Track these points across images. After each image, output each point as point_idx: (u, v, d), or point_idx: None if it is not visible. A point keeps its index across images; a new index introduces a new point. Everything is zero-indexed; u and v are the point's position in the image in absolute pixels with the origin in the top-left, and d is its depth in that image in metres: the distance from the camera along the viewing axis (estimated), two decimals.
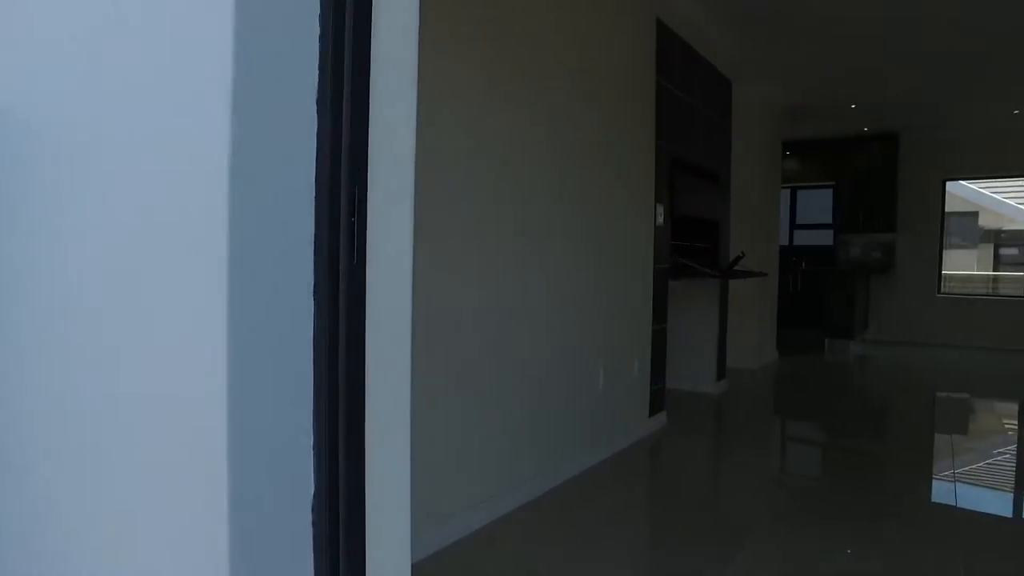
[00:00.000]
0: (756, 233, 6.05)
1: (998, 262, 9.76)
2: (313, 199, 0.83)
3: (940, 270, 8.28)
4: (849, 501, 2.95)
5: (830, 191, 8.60)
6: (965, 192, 9.32)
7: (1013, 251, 9.69)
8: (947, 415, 4.87)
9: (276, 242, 0.80)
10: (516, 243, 2.69)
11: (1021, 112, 6.92)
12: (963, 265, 9.36)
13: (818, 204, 9.00)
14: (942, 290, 8.29)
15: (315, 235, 0.83)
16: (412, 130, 0.95)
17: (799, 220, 9.31)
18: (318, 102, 0.82)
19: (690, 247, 4.60)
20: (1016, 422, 4.76)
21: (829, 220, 8.59)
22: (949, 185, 8.27)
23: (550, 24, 2.89)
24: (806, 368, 6.50)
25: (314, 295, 0.83)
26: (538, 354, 2.86)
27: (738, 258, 4.54)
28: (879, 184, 8.14)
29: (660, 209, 3.93)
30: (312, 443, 0.83)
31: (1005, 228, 9.98)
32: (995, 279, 9.11)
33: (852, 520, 2.74)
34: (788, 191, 9.32)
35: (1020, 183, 7.91)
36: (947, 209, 8.68)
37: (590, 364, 3.28)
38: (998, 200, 9.89)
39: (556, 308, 2.98)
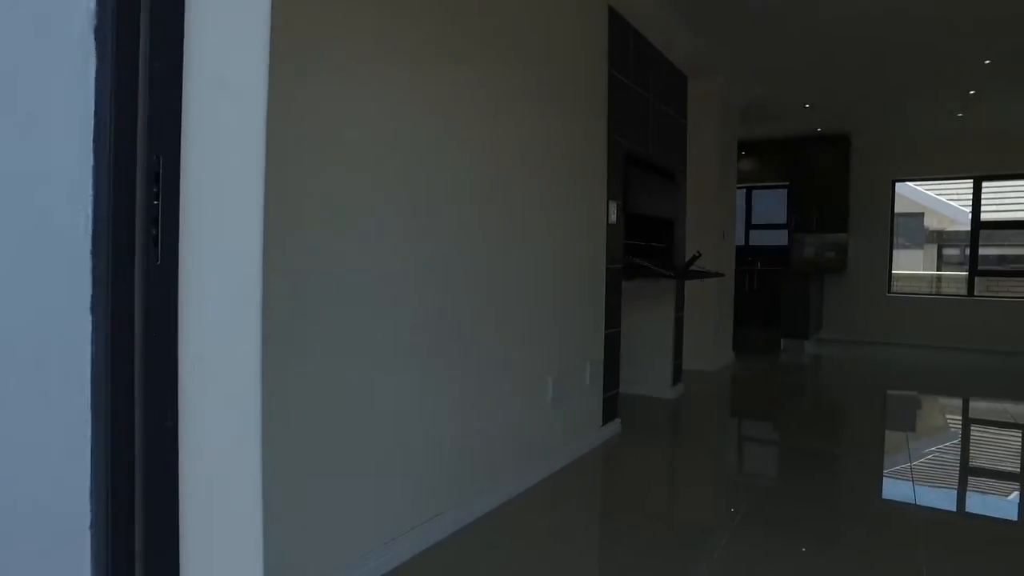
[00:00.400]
0: (713, 233, 5.93)
1: (941, 262, 9.98)
2: (91, 173, 0.57)
3: (891, 270, 8.36)
4: (806, 502, 2.84)
5: (785, 191, 8.60)
6: (912, 194, 9.48)
7: (955, 251, 9.91)
8: (897, 413, 4.83)
9: (28, 241, 0.54)
10: (439, 243, 2.43)
11: (964, 115, 7.00)
12: (911, 265, 9.52)
13: (773, 204, 9.00)
14: (892, 289, 8.38)
15: (93, 227, 0.57)
16: (263, 58, 0.68)
17: (755, 220, 9.31)
18: (96, 29, 0.56)
19: (645, 247, 4.42)
20: (960, 418, 4.75)
21: (784, 220, 8.59)
22: (898, 187, 8.36)
23: None
24: (762, 369, 6.42)
25: (92, 312, 0.57)
26: (475, 366, 2.61)
27: (694, 258, 4.38)
28: (832, 185, 8.17)
29: (613, 206, 3.73)
30: (90, 544, 0.56)
31: (947, 229, 10.20)
32: (939, 279, 9.27)
33: (809, 521, 2.68)
34: (744, 191, 9.31)
35: (962, 185, 8.03)
36: (896, 210, 8.80)
37: (538, 373, 3.05)
38: (941, 202, 10.11)
39: (496, 314, 2.74)
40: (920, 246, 10.56)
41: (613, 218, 3.72)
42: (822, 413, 4.89)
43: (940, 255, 10.23)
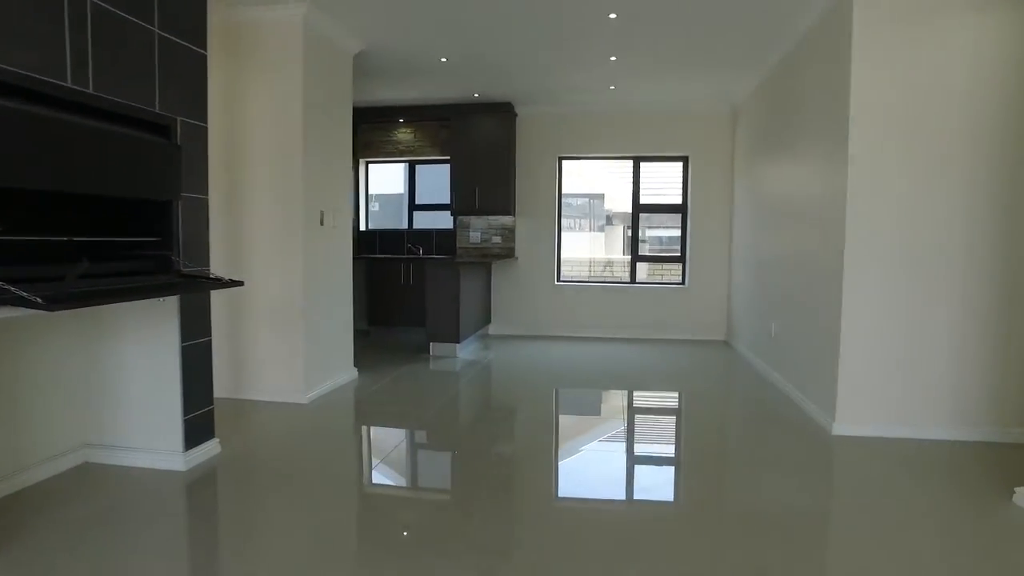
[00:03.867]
0: (303, 217, 4.39)
1: (626, 246, 9.80)
2: None
3: (559, 256, 7.71)
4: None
5: (448, 167, 7.46)
6: (589, 171, 9.03)
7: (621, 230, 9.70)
8: (545, 422, 3.84)
9: None
10: None
11: (616, 88, 6.41)
12: (595, 251, 9.10)
13: (441, 182, 7.84)
14: (561, 278, 7.75)
15: None
16: None
17: (420, 200, 8.09)
18: None
19: (89, 244, 2.66)
20: (623, 421, 3.90)
21: (448, 200, 7.45)
22: (574, 164, 7.70)
23: None
24: (386, 388, 5.12)
25: None
26: None
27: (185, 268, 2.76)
28: (496, 160, 7.20)
29: None
30: None
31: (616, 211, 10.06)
32: (611, 264, 8.97)
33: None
34: (405, 165, 8.02)
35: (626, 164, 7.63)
36: (578, 191, 8.24)
37: None
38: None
39: None
40: (601, 229, 10.37)
41: None
42: (449, 431, 3.67)
43: (626, 239, 10.10)
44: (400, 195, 8.21)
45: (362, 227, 8.08)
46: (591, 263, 8.65)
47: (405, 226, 8.04)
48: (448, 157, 7.41)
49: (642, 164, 7.48)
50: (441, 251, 7.80)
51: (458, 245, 7.71)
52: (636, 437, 3.92)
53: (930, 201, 3.54)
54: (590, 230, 9.46)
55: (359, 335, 7.53)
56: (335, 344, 4.95)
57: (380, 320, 7.39)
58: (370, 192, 8.23)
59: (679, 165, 7.40)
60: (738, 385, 5.32)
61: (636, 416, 4.44)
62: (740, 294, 6.61)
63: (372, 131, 7.89)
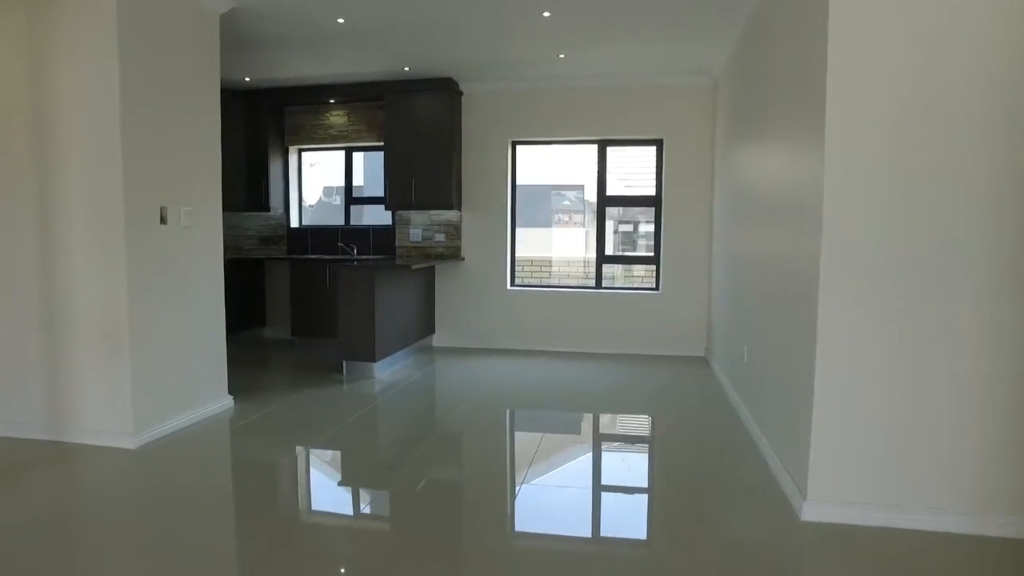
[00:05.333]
0: (129, 210, 3.43)
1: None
2: None
3: (513, 256, 6.69)
4: None
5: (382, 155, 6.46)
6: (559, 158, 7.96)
7: (629, 229, 8.57)
8: (444, 488, 2.87)
9: None
10: None
11: (567, 56, 5.35)
12: (576, 249, 8.02)
13: (380, 172, 6.85)
14: (516, 282, 6.73)
15: None
16: None
17: (357, 193, 7.11)
18: None
19: None
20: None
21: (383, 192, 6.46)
22: (535, 151, 6.67)
23: None
24: (281, 415, 4.17)
25: None
26: None
27: None
28: (437, 146, 6.18)
29: None
30: None
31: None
32: (585, 263, 7.92)
33: None
34: (342, 152, 7.04)
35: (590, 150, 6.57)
36: (554, 181, 7.22)
37: None
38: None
39: None
40: (582, 224, 9.30)
41: None
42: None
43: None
44: (341, 188, 7.23)
45: (294, 223, 7.12)
46: (563, 263, 7.63)
47: (341, 222, 7.06)
48: (382, 143, 6.41)
49: (609, 149, 6.41)
50: (379, 251, 6.82)
51: (397, 244, 6.72)
52: (543, 504, 2.90)
53: (936, 193, 2.46)
54: (584, 226, 8.38)
55: (283, 347, 6.60)
56: (195, 369, 3.99)
57: (305, 330, 6.44)
58: (304, 184, 7.26)
59: (652, 149, 6.33)
60: (704, 422, 4.26)
61: (556, 468, 3.42)
62: (719, 303, 5.54)
63: (301, 115, 6.91)
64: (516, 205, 6.62)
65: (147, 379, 3.60)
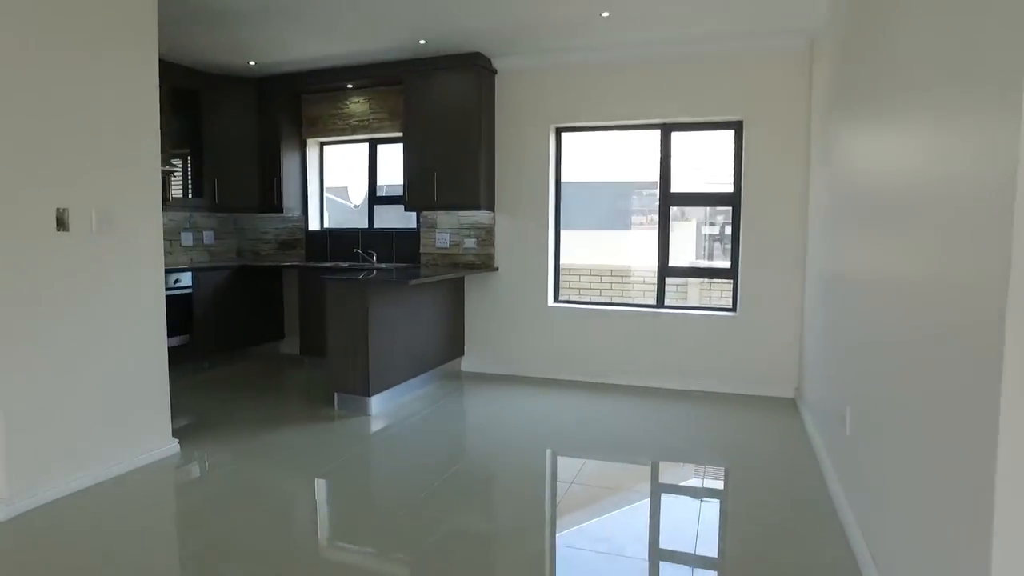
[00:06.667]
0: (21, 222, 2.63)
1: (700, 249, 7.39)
2: None
3: (558, 267, 5.58)
4: None
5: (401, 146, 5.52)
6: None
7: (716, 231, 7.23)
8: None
9: None
10: None
11: (612, 14, 4.20)
12: (631, 257, 6.85)
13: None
14: (560, 298, 5.62)
15: None
16: None
17: (380, 191, 6.22)
18: None
19: None
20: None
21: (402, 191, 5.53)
22: (589, 137, 5.56)
23: None
24: (231, 468, 3.30)
25: None
26: None
27: None
28: (464, 135, 5.18)
29: None
30: None
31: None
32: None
33: None
34: (366, 144, 6.18)
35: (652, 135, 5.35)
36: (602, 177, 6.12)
37: None
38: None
39: None
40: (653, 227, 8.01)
41: None
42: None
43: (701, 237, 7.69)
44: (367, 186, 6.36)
45: (312, 227, 6.32)
46: (618, 272, 6.49)
47: (365, 226, 6.19)
48: (401, 134, 5.49)
49: (674, 135, 5.19)
50: (402, 258, 5.90)
51: (421, 251, 5.77)
52: None
53: None
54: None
55: (291, 365, 5.80)
56: (114, 410, 3.16)
57: (315, 348, 5.60)
58: (326, 183, 6.45)
59: (729, 134, 5.06)
60: (780, 514, 3.01)
61: None
62: (814, 332, 4.21)
63: (317, 103, 6.09)
64: (561, 205, 5.51)
65: (27, 425, 2.79)
